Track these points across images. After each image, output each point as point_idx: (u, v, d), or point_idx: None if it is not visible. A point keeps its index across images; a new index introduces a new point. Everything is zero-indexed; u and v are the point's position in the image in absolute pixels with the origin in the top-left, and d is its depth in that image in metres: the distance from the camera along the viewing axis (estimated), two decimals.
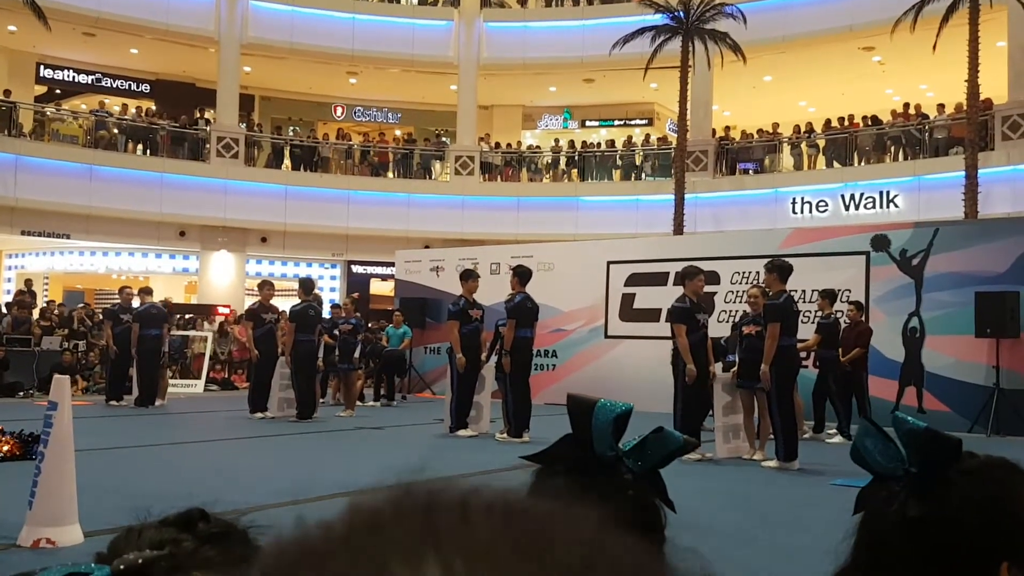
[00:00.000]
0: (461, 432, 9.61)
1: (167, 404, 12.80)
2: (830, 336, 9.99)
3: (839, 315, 10.45)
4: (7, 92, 20.69)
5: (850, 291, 11.92)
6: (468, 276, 9.95)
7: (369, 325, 14.51)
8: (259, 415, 11.20)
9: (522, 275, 9.69)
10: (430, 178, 23.91)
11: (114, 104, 23.67)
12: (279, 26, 22.75)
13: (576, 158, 23.83)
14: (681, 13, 20.29)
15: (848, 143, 20.89)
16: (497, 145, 24.65)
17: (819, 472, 7.61)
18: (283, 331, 11.42)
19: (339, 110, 27.53)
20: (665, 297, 13.38)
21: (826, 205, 20.11)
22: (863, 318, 10.95)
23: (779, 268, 7.89)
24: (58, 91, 25.07)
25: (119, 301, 13.40)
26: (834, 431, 9.97)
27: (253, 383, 11.82)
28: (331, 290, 24.27)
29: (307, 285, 11.66)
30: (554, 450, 1.08)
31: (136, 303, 13.10)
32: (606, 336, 14.19)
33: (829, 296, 10.20)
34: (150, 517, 0.72)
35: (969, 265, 11.27)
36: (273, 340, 11.59)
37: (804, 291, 11.74)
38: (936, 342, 11.43)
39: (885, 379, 11.48)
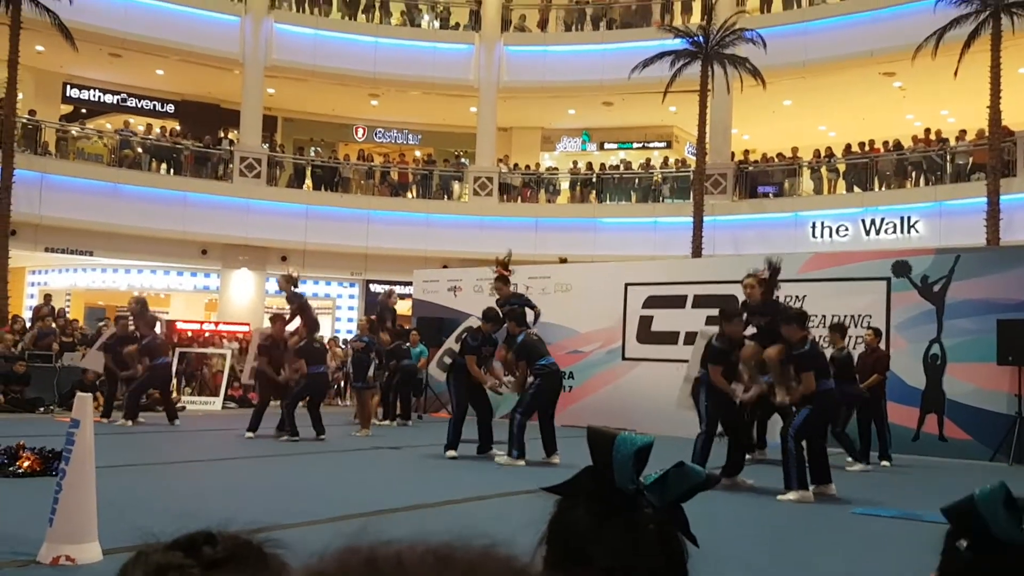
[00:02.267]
0: (449, 453, 9.58)
1: (180, 423, 12.78)
2: (844, 369, 9.87)
3: (855, 342, 10.37)
4: (32, 112, 21.03)
5: (870, 317, 11.84)
6: (488, 318, 9.96)
7: (403, 345, 14.40)
8: (249, 435, 11.08)
9: (517, 318, 9.77)
10: (449, 198, 24.03)
11: (139, 124, 23.98)
12: (303, 49, 23.04)
13: (594, 179, 23.89)
14: (701, 38, 20.35)
15: (868, 168, 20.81)
16: (516, 166, 24.75)
17: (840, 501, 7.53)
18: (295, 367, 11.47)
19: (360, 131, 27.76)
20: (683, 319, 13.39)
21: (846, 230, 20.02)
22: (882, 344, 10.86)
23: (796, 318, 7.73)
24: (84, 110, 25.44)
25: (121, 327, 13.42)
26: (851, 460, 9.87)
27: (286, 404, 11.78)
28: (349, 308, 24.38)
29: (312, 326, 11.67)
30: (575, 482, 1.07)
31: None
32: (624, 358, 14.14)
33: (839, 330, 10.11)
34: (161, 538, 0.73)
35: (991, 292, 11.18)
36: (277, 367, 11.64)
37: (824, 316, 11.68)
38: (957, 370, 11.31)
39: (906, 406, 11.37)
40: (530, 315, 10.32)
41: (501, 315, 10.04)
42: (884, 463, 10.10)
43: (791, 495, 7.46)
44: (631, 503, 1.04)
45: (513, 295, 10.87)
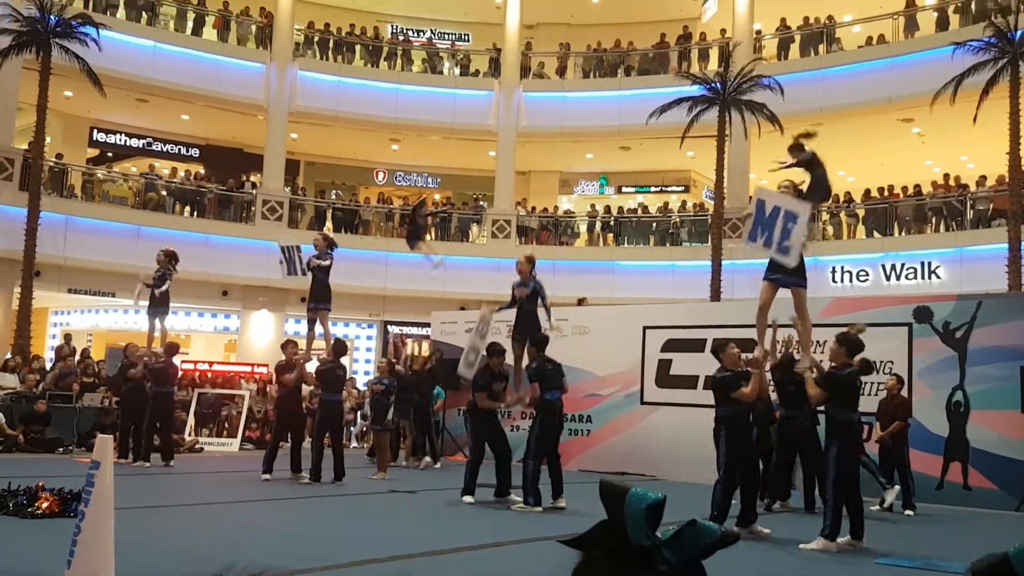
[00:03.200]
0: (466, 498, 9.50)
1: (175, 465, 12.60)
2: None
3: (876, 387, 10.26)
4: (60, 155, 21.44)
5: (892, 363, 11.71)
6: (494, 351, 9.96)
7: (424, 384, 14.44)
8: (265, 476, 11.03)
9: (538, 343, 9.73)
10: (467, 241, 24.17)
11: (164, 167, 24.38)
12: (326, 95, 23.43)
13: (612, 223, 23.97)
14: (718, 84, 20.51)
15: (888, 213, 20.76)
16: (534, 209, 24.90)
17: (863, 551, 7.39)
18: (313, 388, 11.55)
19: (381, 175, 28.08)
20: (703, 364, 13.27)
21: (866, 275, 19.91)
22: (904, 391, 10.73)
23: (850, 342, 7.75)
24: (110, 154, 25.91)
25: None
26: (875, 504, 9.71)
27: (291, 445, 11.83)
28: (367, 350, 24.42)
29: (340, 348, 11.79)
30: (590, 536, 1.06)
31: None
32: (642, 402, 14.04)
33: (864, 367, 10.04)
34: None
35: (1014, 338, 11.05)
36: (294, 401, 11.70)
37: None
38: (981, 417, 11.14)
39: (929, 454, 11.19)
40: (542, 315, 10.37)
41: (513, 298, 10.23)
42: (908, 512, 9.93)
43: (814, 544, 7.33)
44: (647, 559, 1.03)
45: (532, 276, 10.58)
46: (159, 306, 13.36)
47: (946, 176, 20.89)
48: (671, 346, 13.90)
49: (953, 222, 19.70)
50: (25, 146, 20.23)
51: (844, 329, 8.20)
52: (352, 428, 18.31)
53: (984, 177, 19.56)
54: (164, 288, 13.21)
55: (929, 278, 19.01)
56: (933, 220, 20.18)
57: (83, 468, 4.85)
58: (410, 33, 27.51)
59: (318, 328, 12.26)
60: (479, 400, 9.74)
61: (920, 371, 11.62)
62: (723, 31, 23.86)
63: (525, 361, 10.16)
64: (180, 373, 14.75)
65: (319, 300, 12.09)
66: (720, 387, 8.24)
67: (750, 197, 22.72)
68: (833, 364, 7.79)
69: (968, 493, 11.02)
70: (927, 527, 9.35)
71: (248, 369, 19.84)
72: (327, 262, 12.08)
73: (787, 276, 8.21)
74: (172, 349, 13.37)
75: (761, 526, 8.05)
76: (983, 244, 18.27)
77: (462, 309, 19.90)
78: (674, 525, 1.07)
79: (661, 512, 1.05)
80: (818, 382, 7.73)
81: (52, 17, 18.85)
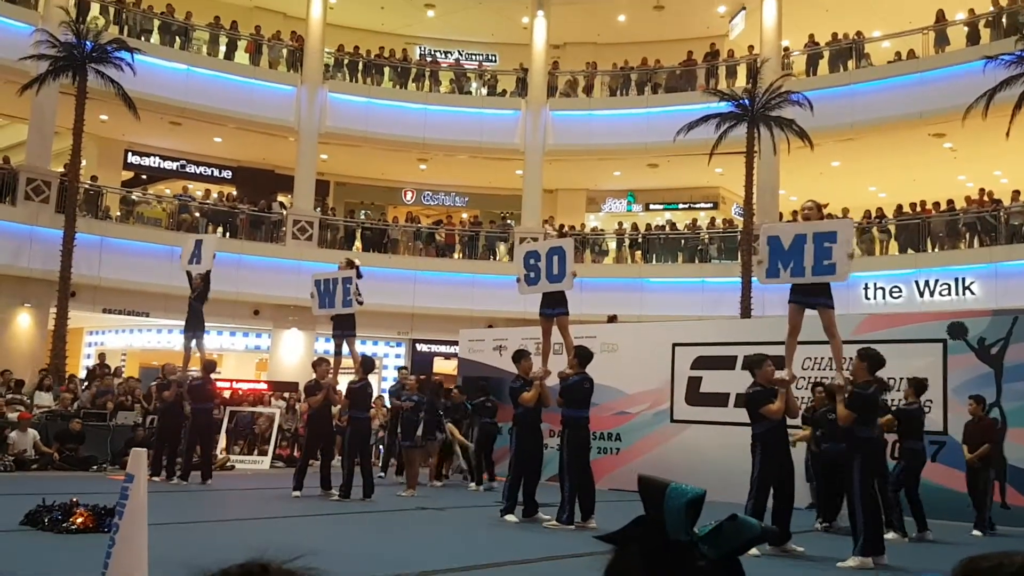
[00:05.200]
0: (508, 516, 9.48)
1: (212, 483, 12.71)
2: (908, 425, 9.67)
3: (924, 404, 10.14)
4: (95, 178, 21.85)
5: (927, 380, 11.53)
6: (521, 356, 9.96)
7: (486, 403, 14.25)
8: (296, 493, 11.10)
9: (583, 356, 9.68)
10: (494, 259, 24.23)
11: (197, 189, 24.76)
12: (355, 116, 23.70)
13: (641, 240, 23.91)
14: (746, 101, 20.43)
15: (921, 228, 20.52)
16: (561, 227, 24.92)
17: (899, 569, 7.26)
18: (342, 407, 11.62)
19: (409, 194, 28.28)
20: (733, 381, 13.15)
21: (900, 291, 19.66)
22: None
23: (871, 358, 7.69)
24: (144, 176, 26.35)
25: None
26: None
27: (320, 462, 11.88)
28: (396, 368, 24.48)
29: (368, 365, 11.85)
30: (628, 531, 1.06)
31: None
32: (672, 420, 13.92)
33: (916, 385, 9.98)
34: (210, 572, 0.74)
35: None
36: (324, 419, 11.76)
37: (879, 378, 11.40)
38: (1019, 434, 10.91)
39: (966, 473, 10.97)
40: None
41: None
42: (975, 532, 9.83)
43: (851, 562, 7.23)
44: (685, 554, 1.03)
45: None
46: (196, 328, 13.53)
47: (980, 191, 20.63)
48: (701, 363, 13.78)
49: (987, 237, 19.42)
50: (61, 169, 20.64)
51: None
52: (381, 447, 18.33)
53: (1018, 192, 19.28)
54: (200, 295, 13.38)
55: (963, 294, 18.73)
56: (967, 235, 19.91)
57: (117, 485, 4.91)
58: (438, 54, 27.77)
59: (345, 349, 12.33)
60: (523, 399, 9.66)
61: (955, 388, 11.41)
62: (751, 48, 23.82)
63: (555, 337, 10.06)
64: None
65: (345, 327, 12.17)
66: (751, 403, 8.19)
67: (780, 215, 22.61)
68: (854, 380, 7.70)
69: (1007, 512, 10.78)
70: (965, 548, 9.16)
71: (264, 387, 19.97)
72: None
73: (812, 297, 8.18)
74: (210, 367, 13.55)
75: (795, 544, 7.95)
76: (1018, 259, 17.99)
77: (489, 327, 19.93)
78: (713, 521, 1.07)
79: (700, 507, 1.05)
80: (845, 403, 7.64)
81: (88, 43, 19.28)
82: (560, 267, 9.73)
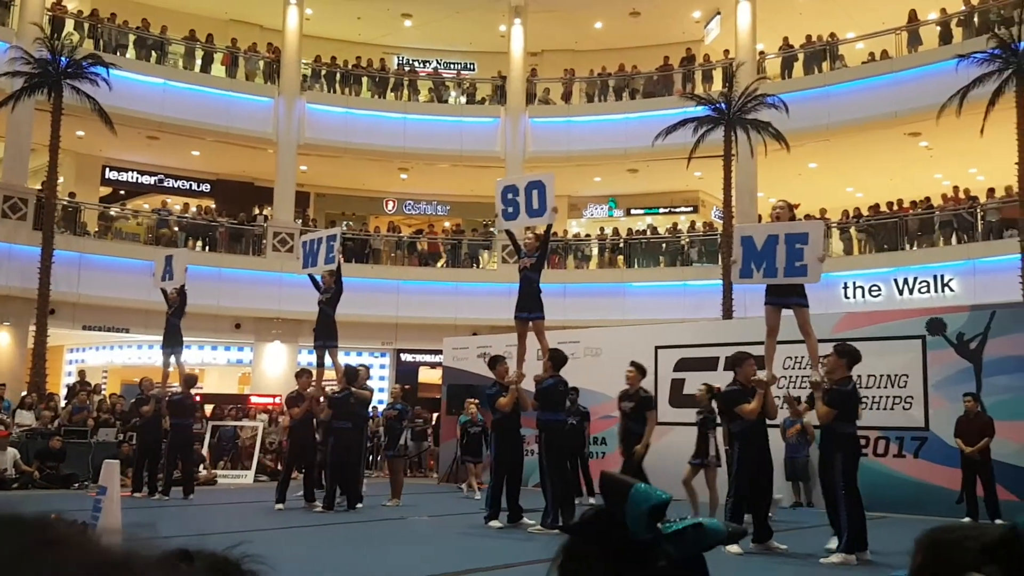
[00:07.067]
0: (493, 523, 9.46)
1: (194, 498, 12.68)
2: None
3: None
4: (72, 194, 21.68)
5: (907, 376, 11.62)
6: (496, 362, 9.95)
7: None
8: (279, 506, 11.09)
9: (557, 360, 9.65)
10: (477, 267, 24.21)
11: (175, 203, 24.61)
12: (334, 127, 23.65)
13: (622, 245, 23.97)
14: (723, 105, 20.57)
15: (898, 227, 20.69)
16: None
17: (880, 565, 7.29)
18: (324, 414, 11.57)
19: (390, 204, 28.24)
20: (716, 382, 13.18)
21: (879, 290, 19.80)
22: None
23: (848, 354, 7.73)
24: (122, 191, 26.16)
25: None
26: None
27: (304, 474, 11.83)
28: (380, 379, 24.40)
29: (351, 375, 11.80)
30: (588, 524, 1.02)
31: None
32: (656, 423, 13.90)
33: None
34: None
35: None
36: (306, 430, 11.70)
37: (859, 376, 11.46)
38: (999, 428, 11.00)
39: (948, 467, 11.05)
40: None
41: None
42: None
43: (834, 558, 7.25)
44: (646, 553, 0.99)
45: (538, 247, 10.22)
46: (174, 344, 13.46)
47: (955, 188, 20.82)
48: (684, 365, 13.84)
49: (964, 234, 19.61)
50: (39, 186, 20.48)
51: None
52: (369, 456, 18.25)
53: (993, 189, 19.49)
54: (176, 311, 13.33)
55: (942, 291, 18.89)
56: (944, 233, 20.09)
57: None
58: (416, 64, 27.79)
59: (328, 360, 12.29)
60: (499, 404, 9.65)
61: (935, 383, 11.51)
62: (726, 52, 23.99)
63: (530, 340, 10.00)
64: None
65: (326, 337, 12.12)
66: (725, 401, 8.21)
67: (759, 217, 22.73)
68: (831, 376, 7.72)
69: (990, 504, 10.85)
70: None
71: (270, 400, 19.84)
72: (327, 295, 12.09)
73: (786, 297, 8.22)
74: (190, 381, 13.45)
75: (777, 542, 7.97)
76: (996, 256, 18.16)
77: (474, 335, 19.90)
78: (681, 518, 1.04)
79: (663, 513, 1.01)
80: (824, 400, 7.68)
81: (63, 59, 19.16)
82: (540, 201, 9.43)
